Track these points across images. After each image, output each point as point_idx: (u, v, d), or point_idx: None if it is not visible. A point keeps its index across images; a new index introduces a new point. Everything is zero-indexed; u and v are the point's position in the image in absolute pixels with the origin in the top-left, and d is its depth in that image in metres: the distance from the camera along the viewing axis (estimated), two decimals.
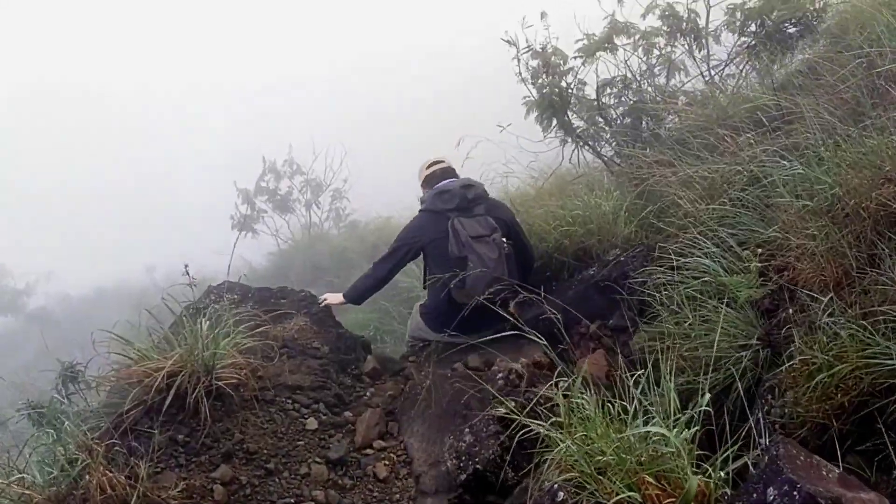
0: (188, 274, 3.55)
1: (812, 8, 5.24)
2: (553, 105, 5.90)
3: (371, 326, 7.89)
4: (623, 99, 6.35)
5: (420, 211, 4.35)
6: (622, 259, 4.06)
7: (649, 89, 6.30)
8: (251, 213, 13.14)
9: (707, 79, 5.99)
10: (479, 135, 6.76)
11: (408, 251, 4.26)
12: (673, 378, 2.93)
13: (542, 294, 4.50)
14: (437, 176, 4.43)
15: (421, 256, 4.35)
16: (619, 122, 6.35)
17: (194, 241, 20.15)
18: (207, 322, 3.05)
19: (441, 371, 3.83)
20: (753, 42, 5.53)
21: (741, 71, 6.02)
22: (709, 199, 4.01)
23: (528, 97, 6.27)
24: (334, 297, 4.53)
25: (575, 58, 6.01)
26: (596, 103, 6.21)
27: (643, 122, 6.05)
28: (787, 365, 2.52)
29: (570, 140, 6.16)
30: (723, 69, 5.90)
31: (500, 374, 3.22)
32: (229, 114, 31.84)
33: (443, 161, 4.55)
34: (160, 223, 25.81)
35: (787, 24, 5.38)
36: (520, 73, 6.08)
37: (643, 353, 3.53)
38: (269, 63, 35.50)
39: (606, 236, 4.41)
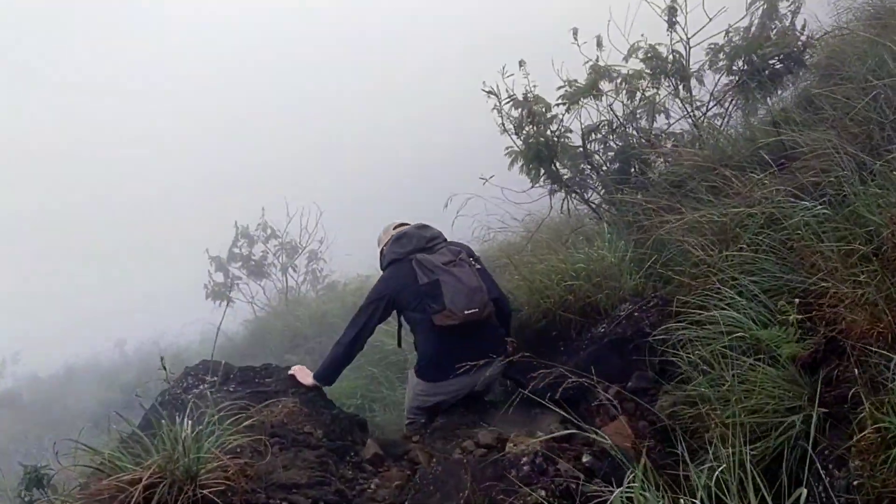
0: (165, 368, 3.13)
1: (799, 43, 5.13)
2: (539, 155, 5.68)
3: (358, 394, 7.48)
4: (609, 144, 6.17)
5: (382, 269, 4.11)
6: (636, 314, 3.77)
7: (634, 133, 6.13)
8: (225, 280, 12.71)
9: (694, 119, 5.83)
10: (462, 190, 6.56)
11: (376, 308, 3.96)
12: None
13: (549, 356, 4.22)
14: (396, 236, 4.14)
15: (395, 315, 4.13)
16: (606, 168, 6.16)
17: (166, 312, 19.63)
18: (189, 421, 2.67)
19: (451, 453, 3.47)
20: (740, 80, 5.39)
21: (727, 110, 5.89)
22: (721, 244, 3.76)
23: (512, 147, 6.06)
24: (304, 377, 4.14)
25: (558, 104, 5.83)
26: (582, 150, 6.02)
27: (632, 167, 5.84)
28: (858, 434, 2.20)
29: (559, 189, 5.94)
30: (710, 108, 5.74)
31: (525, 459, 2.87)
32: (199, 175, 31.42)
33: (406, 224, 4.24)
34: (130, 295, 25.10)
35: (773, 61, 5.26)
36: (502, 124, 5.88)
37: (671, 419, 3.24)
38: (237, 121, 35.27)
39: (613, 289, 4.12)
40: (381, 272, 4.15)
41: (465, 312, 3.70)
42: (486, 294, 3.80)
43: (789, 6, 5.32)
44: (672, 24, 5.45)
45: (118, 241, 28.48)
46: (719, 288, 3.45)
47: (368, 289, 10.37)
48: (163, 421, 2.72)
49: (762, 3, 5.37)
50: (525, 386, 4.04)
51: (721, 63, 5.60)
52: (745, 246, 3.47)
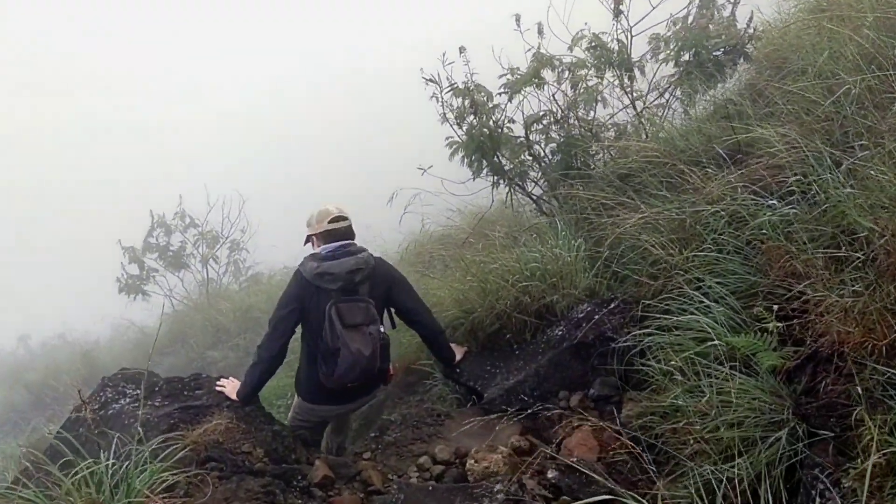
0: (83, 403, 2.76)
1: (744, 35, 5.07)
2: (482, 147, 5.45)
3: (288, 394, 7.13)
4: (550, 135, 6.00)
5: (298, 273, 3.79)
6: (596, 317, 3.60)
7: (576, 123, 5.97)
8: (140, 273, 11.99)
9: (636, 111, 5.72)
10: (398, 177, 6.28)
11: (290, 320, 3.76)
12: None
13: (503, 360, 4.02)
14: (330, 235, 3.84)
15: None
16: (548, 159, 5.99)
17: (71, 306, 18.53)
18: (111, 460, 2.30)
19: (406, 471, 3.22)
20: (685, 71, 5.30)
21: (667, 101, 5.82)
22: (680, 243, 3.63)
23: (452, 138, 5.81)
24: (232, 392, 3.84)
25: (500, 94, 5.62)
26: (524, 141, 5.82)
27: (575, 159, 5.69)
28: (861, 456, 2.07)
29: (501, 182, 5.73)
30: (654, 100, 5.65)
31: (499, 488, 2.64)
32: (110, 161, 29.76)
33: (345, 218, 3.91)
34: (32, 287, 23.62)
35: (718, 53, 5.18)
36: (443, 114, 5.62)
37: (640, 430, 3.08)
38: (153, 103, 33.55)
39: (569, 290, 3.94)
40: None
41: (349, 385, 3.70)
42: (377, 362, 3.71)
43: None
44: (618, 14, 5.29)
45: (20, 230, 26.78)
46: (683, 289, 3.32)
47: None
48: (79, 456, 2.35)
49: None
50: (480, 395, 3.84)
51: (663, 54, 5.50)
52: (710, 245, 3.34)
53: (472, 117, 5.35)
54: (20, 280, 24.35)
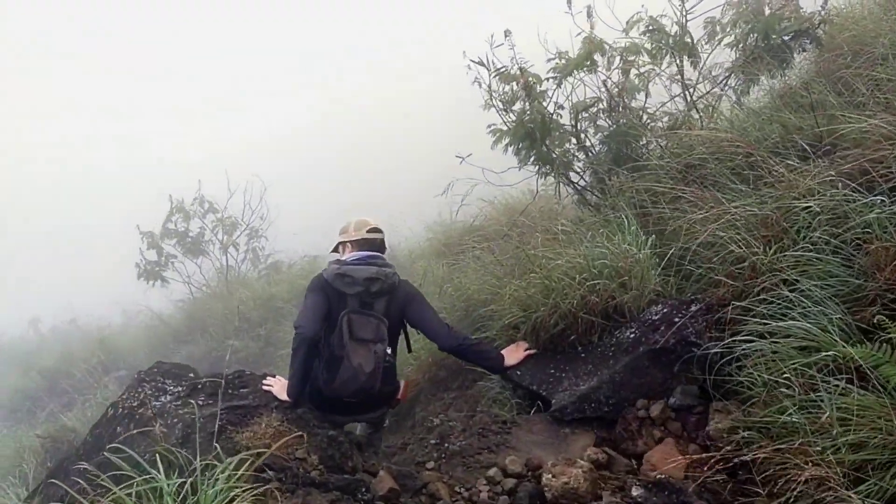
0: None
1: (818, 18, 4.77)
2: (531, 134, 5.17)
3: None
4: (599, 123, 5.72)
5: (320, 275, 3.81)
6: (677, 320, 3.33)
7: (625, 111, 5.69)
8: (159, 259, 11.77)
9: (689, 97, 5.43)
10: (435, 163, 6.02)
11: (320, 302, 3.67)
12: None
13: (568, 363, 3.77)
14: (365, 244, 3.90)
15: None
16: (597, 149, 5.72)
17: (84, 291, 18.36)
18: (183, 478, 2.06)
19: (474, 484, 2.98)
20: (751, 56, 5.00)
21: (723, 90, 5.52)
22: (764, 241, 3.36)
23: (495, 125, 5.54)
24: (281, 391, 3.66)
25: (548, 79, 5.33)
26: (573, 129, 5.55)
27: (626, 149, 5.40)
28: None
29: (549, 172, 5.45)
30: (715, 87, 5.35)
31: None
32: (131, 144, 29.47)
33: (380, 231, 3.99)
34: (42, 272, 23.47)
35: (788, 37, 4.89)
36: (490, 99, 5.34)
37: (729, 444, 2.83)
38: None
39: (639, 289, 3.68)
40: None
41: (345, 399, 3.58)
42: (376, 381, 3.56)
43: None
44: None
45: (37, 215, 26.61)
46: (775, 291, 3.06)
47: (320, 269, 9.74)
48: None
49: None
50: (547, 401, 3.59)
51: (727, 37, 5.20)
52: (810, 245, 3.07)
53: (522, 102, 5.06)
54: (31, 265, 24.25)
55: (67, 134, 31.56)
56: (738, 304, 3.07)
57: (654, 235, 4.05)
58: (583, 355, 3.71)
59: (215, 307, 10.68)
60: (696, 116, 5.38)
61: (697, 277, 3.68)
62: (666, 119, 5.69)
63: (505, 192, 7.37)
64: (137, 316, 13.01)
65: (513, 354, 3.95)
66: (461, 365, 5.41)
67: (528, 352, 3.92)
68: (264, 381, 3.77)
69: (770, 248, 3.25)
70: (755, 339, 2.88)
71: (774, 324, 2.84)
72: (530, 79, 5.06)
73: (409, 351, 4.17)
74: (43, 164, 30.46)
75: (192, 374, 4.24)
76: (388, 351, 3.67)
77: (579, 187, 5.82)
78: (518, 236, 6.03)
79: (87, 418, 7.66)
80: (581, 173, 5.94)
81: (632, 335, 3.54)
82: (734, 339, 2.94)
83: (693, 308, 3.37)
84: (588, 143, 5.76)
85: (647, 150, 5.45)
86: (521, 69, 5.06)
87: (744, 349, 2.88)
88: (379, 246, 3.94)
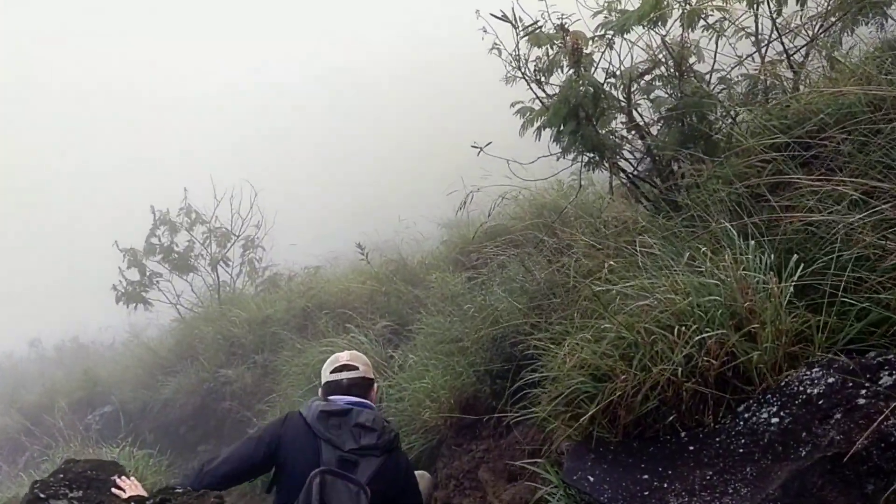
0: None
1: None
2: (576, 113, 3.82)
3: None
4: (658, 94, 4.38)
5: (294, 412, 3.12)
6: (860, 401, 1.98)
7: (692, 78, 4.33)
8: (142, 278, 10.51)
9: (788, 56, 4.07)
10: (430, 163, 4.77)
11: (253, 450, 3.02)
12: None
13: (668, 465, 2.43)
14: (337, 387, 3.18)
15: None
16: (656, 128, 4.38)
17: (81, 310, 17.29)
18: None
19: None
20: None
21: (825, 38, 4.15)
22: None
23: (521, 103, 4.22)
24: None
25: (596, 38, 3.98)
26: (626, 103, 4.20)
27: (701, 124, 4.04)
28: None
29: (600, 160, 4.11)
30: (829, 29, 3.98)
31: None
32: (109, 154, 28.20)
33: (355, 367, 3.24)
34: (39, 290, 22.47)
35: None
36: (517, 68, 4.00)
37: None
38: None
39: (777, 340, 2.33)
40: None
41: None
42: None
43: None
44: None
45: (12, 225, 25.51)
46: None
47: (320, 288, 8.40)
48: None
49: None
50: None
51: None
52: None
53: (567, 70, 3.72)
54: (27, 282, 23.25)
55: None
56: None
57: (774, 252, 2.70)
58: (691, 448, 2.36)
59: (206, 331, 9.43)
60: (794, 76, 4.04)
61: (859, 313, 2.34)
62: (746, 84, 4.37)
63: (526, 185, 6.07)
64: (125, 344, 11.85)
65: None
66: (492, 405, 4.40)
67: None
68: (115, 490, 2.88)
69: None
70: None
71: None
72: (577, 39, 3.70)
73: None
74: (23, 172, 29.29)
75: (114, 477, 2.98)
76: None
77: (638, 178, 4.50)
78: (558, 246, 4.74)
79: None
80: (633, 161, 4.62)
81: (774, 419, 2.20)
82: None
83: (885, 377, 2.01)
84: (643, 121, 4.43)
85: (727, 126, 4.10)
86: (562, 26, 3.70)
87: None
88: (347, 389, 3.15)
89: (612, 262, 2.92)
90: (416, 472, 3.49)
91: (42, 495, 2.69)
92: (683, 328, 2.39)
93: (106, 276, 10.88)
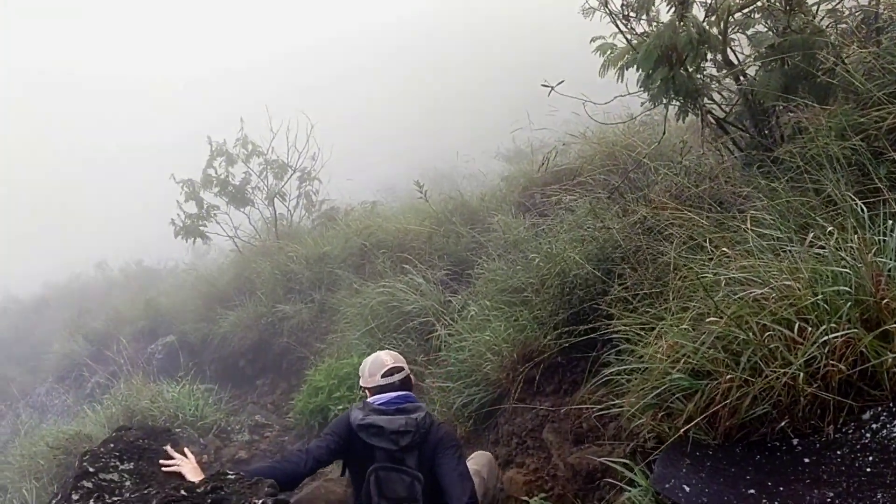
0: None
1: None
2: (670, 56, 3.38)
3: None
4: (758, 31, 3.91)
5: (346, 417, 3.35)
6: None
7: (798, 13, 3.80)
8: (199, 211, 10.44)
9: None
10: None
11: (326, 446, 3.21)
12: None
13: (779, 479, 2.13)
14: (378, 391, 3.40)
15: None
16: (754, 71, 3.92)
17: (146, 239, 17.63)
18: None
19: None
20: None
21: None
22: None
23: (603, 39, 3.82)
24: (191, 474, 2.78)
25: None
26: (721, 42, 3.74)
27: (810, 66, 3.56)
28: None
29: (692, 107, 3.69)
30: None
31: None
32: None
33: (401, 368, 3.47)
34: (101, 218, 22.97)
35: None
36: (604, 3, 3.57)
37: None
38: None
39: None
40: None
41: None
42: None
43: None
44: None
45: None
46: None
47: (377, 224, 8.15)
48: None
49: None
50: None
51: None
52: None
53: (668, 9, 3.28)
54: (93, 207, 23.79)
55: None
56: None
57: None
58: (806, 460, 2.07)
59: (263, 266, 9.36)
60: None
61: None
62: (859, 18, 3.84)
63: (596, 125, 5.63)
64: (185, 272, 11.95)
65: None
66: (558, 360, 4.34)
67: None
68: (164, 462, 2.82)
69: None
70: None
71: None
72: None
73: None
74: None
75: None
76: None
77: (728, 124, 4.07)
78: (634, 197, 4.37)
79: (108, 418, 6.57)
80: (724, 105, 4.18)
81: None
82: None
83: None
84: (738, 63, 3.97)
85: (840, 69, 3.60)
86: None
87: None
88: (399, 388, 3.41)
89: (706, 228, 2.55)
90: (476, 453, 3.81)
91: (91, 469, 2.58)
92: (801, 322, 2.05)
93: (169, 208, 10.94)
